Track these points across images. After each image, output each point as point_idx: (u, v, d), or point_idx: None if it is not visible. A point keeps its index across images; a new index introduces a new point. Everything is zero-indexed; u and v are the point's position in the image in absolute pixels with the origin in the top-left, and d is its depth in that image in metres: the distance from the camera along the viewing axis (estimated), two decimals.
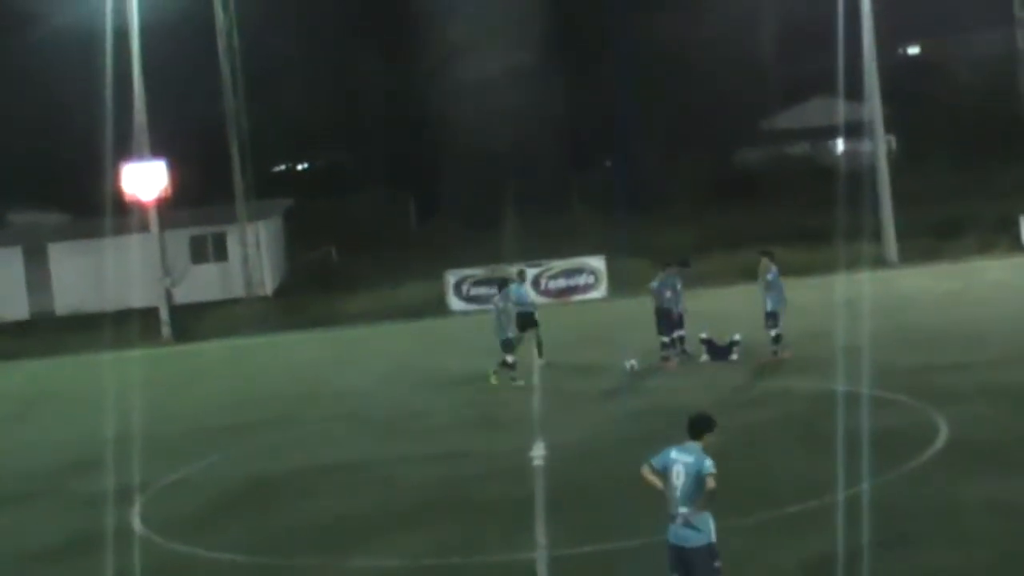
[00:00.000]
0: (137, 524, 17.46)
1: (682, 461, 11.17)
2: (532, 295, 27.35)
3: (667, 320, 25.85)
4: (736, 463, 17.80)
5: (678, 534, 11.14)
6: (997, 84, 49.14)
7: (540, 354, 26.79)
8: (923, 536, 13.58)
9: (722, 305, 31.13)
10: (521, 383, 25.46)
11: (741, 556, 13.70)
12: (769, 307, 25.08)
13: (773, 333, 25.16)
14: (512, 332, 25.97)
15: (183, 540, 16.51)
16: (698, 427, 11.32)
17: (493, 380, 25.64)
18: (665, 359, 25.77)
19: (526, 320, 26.67)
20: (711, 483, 10.96)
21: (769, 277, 25.25)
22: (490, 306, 27.11)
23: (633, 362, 25.74)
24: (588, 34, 59.94)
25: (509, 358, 25.72)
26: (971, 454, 16.81)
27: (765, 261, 25.55)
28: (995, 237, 40.28)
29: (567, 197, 55.60)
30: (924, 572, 12.67)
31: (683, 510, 11.11)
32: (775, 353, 25.14)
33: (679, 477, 11.13)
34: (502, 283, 27.99)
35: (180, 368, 35.62)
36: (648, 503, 16.13)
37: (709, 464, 11.03)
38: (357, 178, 63.57)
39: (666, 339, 25.85)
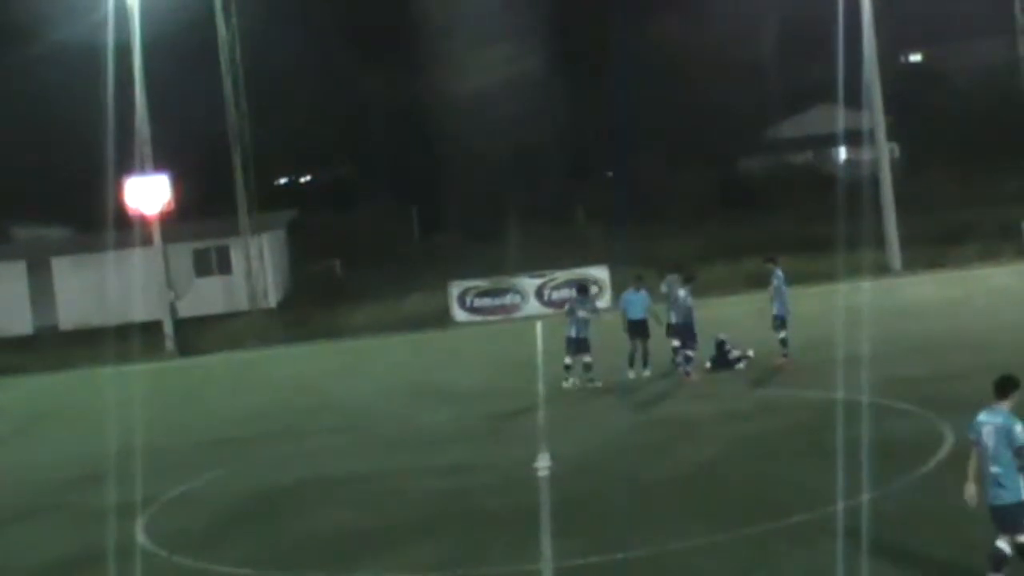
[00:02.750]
0: (142, 538, 17.42)
1: (991, 423, 11.69)
2: (642, 303, 26.16)
3: (692, 330, 25.39)
4: (739, 472, 17.88)
5: (991, 493, 11.70)
6: (999, 92, 49.18)
7: (644, 364, 25.93)
8: (929, 545, 13.51)
9: (725, 314, 31.06)
10: (569, 383, 25.47)
11: (747, 567, 13.66)
12: (775, 311, 25.31)
13: (780, 335, 25.32)
14: (584, 333, 25.68)
15: (188, 554, 16.43)
16: (1004, 386, 11.82)
17: (568, 384, 25.57)
18: (687, 373, 25.26)
19: (633, 329, 26.04)
20: None
21: (774, 283, 25.45)
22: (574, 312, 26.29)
23: (592, 377, 25.60)
24: (590, 46, 59.99)
25: (568, 359, 25.70)
26: None
27: (769, 267, 25.95)
28: (998, 244, 40.23)
29: (570, 208, 55.65)
30: None
31: (995, 470, 11.60)
32: (784, 356, 25.29)
33: (989, 437, 11.65)
34: (580, 287, 27.81)
35: (184, 382, 35.61)
36: (653, 513, 16.20)
37: (1019, 432, 11.51)
38: (360, 191, 63.64)
39: (691, 353, 25.29)
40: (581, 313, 26.05)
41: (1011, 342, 25.48)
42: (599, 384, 25.49)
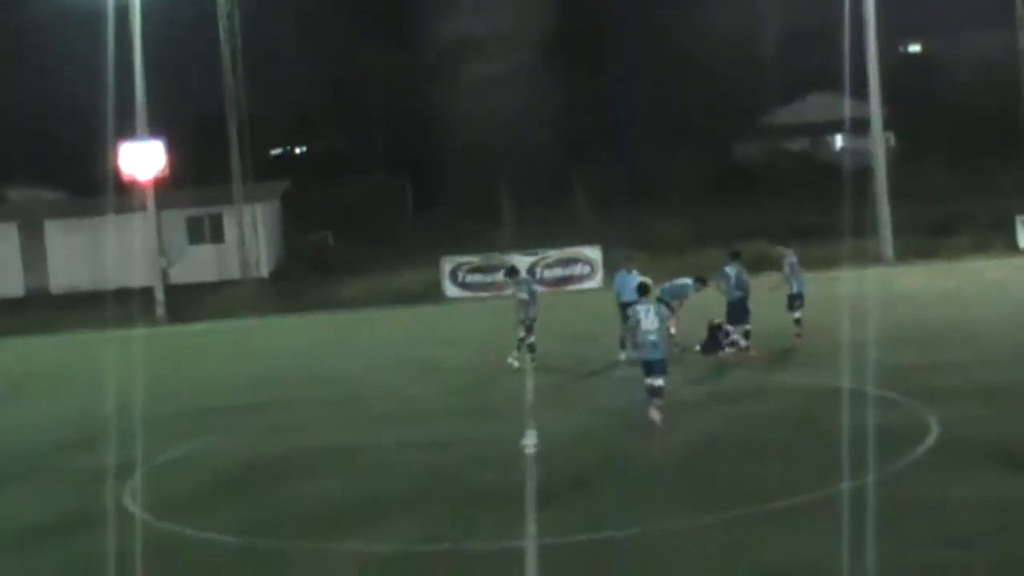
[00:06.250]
0: (129, 503, 17.38)
1: None
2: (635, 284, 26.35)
3: (745, 307, 25.56)
4: (726, 456, 17.87)
5: None
6: (997, 84, 49.06)
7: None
8: (911, 534, 13.49)
9: (720, 298, 31.01)
10: (516, 364, 25.59)
11: (729, 550, 13.66)
12: (794, 290, 25.90)
13: (796, 315, 25.85)
14: (523, 313, 25.78)
15: (175, 520, 16.37)
16: None
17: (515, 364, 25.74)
18: (746, 349, 25.42)
19: (626, 310, 25.56)
20: None
21: (790, 264, 26.14)
22: (522, 294, 26.31)
23: (513, 359, 25.70)
24: (589, 26, 59.82)
25: (523, 335, 25.79)
26: (962, 453, 16.70)
27: (779, 249, 26.71)
28: (991, 237, 40.30)
29: (565, 188, 55.54)
30: (912, 570, 12.63)
31: None
32: (798, 335, 25.77)
33: None
34: (511, 270, 28.22)
35: (174, 349, 35.55)
36: (640, 494, 16.22)
37: None
38: (355, 163, 63.48)
39: (748, 327, 25.46)
40: (521, 295, 26.13)
41: (1001, 334, 25.61)
42: (515, 365, 25.63)
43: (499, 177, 52.13)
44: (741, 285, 25.55)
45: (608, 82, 54.06)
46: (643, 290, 20.59)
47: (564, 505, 15.75)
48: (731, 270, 25.68)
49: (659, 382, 19.68)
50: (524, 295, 26.21)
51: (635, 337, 19.93)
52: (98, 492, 17.54)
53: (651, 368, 19.74)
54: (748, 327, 25.51)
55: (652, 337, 19.63)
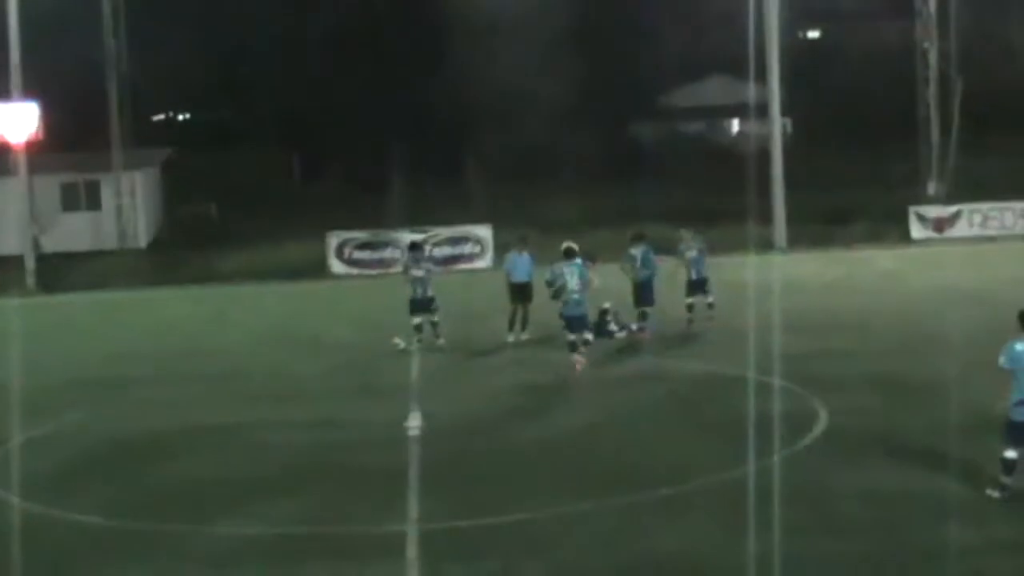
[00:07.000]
0: None
1: None
2: (526, 266, 25.69)
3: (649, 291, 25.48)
4: (612, 441, 17.80)
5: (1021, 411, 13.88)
6: (895, 75, 49.42)
7: (523, 328, 25.41)
8: (796, 523, 13.49)
9: (609, 282, 30.80)
10: (401, 345, 25.08)
11: (613, 537, 13.60)
12: (703, 275, 26.30)
13: (709, 300, 26.23)
14: (422, 292, 25.22)
15: (40, 500, 15.80)
16: None
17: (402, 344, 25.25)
18: (640, 330, 25.39)
19: (516, 292, 25.52)
20: None
21: (695, 249, 26.47)
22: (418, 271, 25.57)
23: (398, 340, 25.34)
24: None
25: (417, 320, 25.18)
26: (848, 442, 16.83)
27: (682, 232, 26.99)
28: (885, 227, 40.63)
29: (458, 164, 54.98)
30: (795, 559, 12.51)
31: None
32: (710, 319, 26.07)
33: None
34: (412, 244, 27.62)
35: (45, 320, 34.24)
36: (523, 478, 15.93)
37: None
38: (241, 133, 62.08)
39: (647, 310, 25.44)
40: (416, 272, 25.56)
41: (891, 325, 25.80)
42: (442, 343, 25.14)
43: (391, 152, 51.29)
44: (648, 266, 25.41)
45: (506, 57, 53.51)
46: (569, 253, 22.66)
47: (446, 489, 15.55)
48: (636, 251, 25.57)
49: (587, 336, 22.37)
50: (420, 272, 25.58)
51: (560, 296, 22.40)
52: None
53: (574, 324, 22.20)
54: (647, 309, 25.39)
55: (576, 296, 22.20)
